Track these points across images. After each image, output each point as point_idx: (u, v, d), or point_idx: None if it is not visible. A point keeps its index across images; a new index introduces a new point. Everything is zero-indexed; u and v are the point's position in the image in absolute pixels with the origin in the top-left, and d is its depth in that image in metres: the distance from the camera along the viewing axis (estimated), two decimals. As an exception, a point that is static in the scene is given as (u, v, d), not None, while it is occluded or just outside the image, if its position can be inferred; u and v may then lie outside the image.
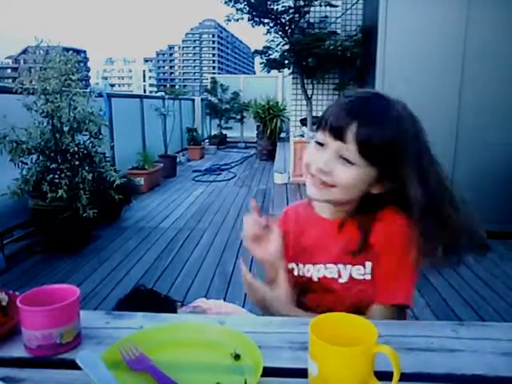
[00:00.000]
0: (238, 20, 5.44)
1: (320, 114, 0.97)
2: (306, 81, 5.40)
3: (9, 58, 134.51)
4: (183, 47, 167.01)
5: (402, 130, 0.85)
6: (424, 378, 0.67)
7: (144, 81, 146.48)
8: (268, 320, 0.88)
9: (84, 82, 4.58)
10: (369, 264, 0.92)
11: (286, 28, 5.31)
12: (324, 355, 0.61)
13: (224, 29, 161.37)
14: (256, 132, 10.15)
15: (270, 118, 9.68)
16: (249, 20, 5.43)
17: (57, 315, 0.72)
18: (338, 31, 5.37)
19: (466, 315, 2.60)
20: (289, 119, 7.20)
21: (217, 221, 4.78)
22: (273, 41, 5.56)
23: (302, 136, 5.49)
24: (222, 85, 12.20)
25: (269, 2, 5.14)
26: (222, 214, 5.09)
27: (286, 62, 5.58)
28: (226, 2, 5.28)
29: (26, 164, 3.57)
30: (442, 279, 3.04)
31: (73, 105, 3.70)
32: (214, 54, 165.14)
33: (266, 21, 5.37)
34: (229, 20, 5.49)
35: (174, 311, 1.48)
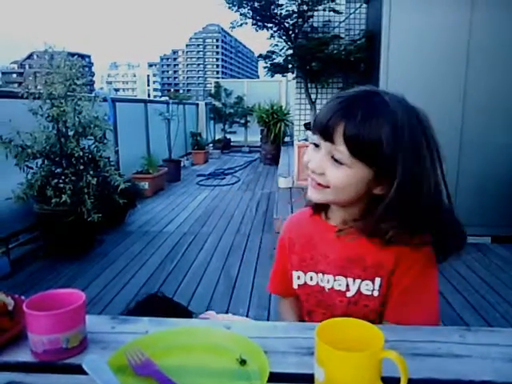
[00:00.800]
0: (241, 25, 5.47)
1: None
2: (309, 85, 5.41)
3: (14, 62, 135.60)
4: (187, 52, 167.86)
5: (395, 126, 0.80)
6: (432, 383, 0.67)
7: (148, 85, 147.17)
8: (274, 325, 0.87)
9: (89, 87, 4.62)
10: (378, 280, 0.90)
11: (290, 32, 5.33)
12: (330, 360, 0.61)
13: (228, 33, 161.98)
14: (260, 136, 10.14)
15: (274, 123, 9.67)
16: (252, 24, 5.45)
17: (63, 320, 0.72)
18: (342, 35, 5.39)
19: (472, 320, 2.58)
20: (293, 123, 7.20)
21: (221, 225, 4.79)
22: (276, 45, 5.57)
23: (306, 140, 5.49)
24: (225, 89, 12.22)
25: (272, 7, 5.16)
26: (227, 218, 5.09)
27: (290, 66, 5.58)
28: (230, 7, 5.30)
29: (32, 168, 3.59)
30: (448, 284, 3.02)
31: (78, 109, 3.72)
32: (217, 59, 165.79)
33: (270, 25, 5.39)
34: (233, 27, 5.52)
35: None
